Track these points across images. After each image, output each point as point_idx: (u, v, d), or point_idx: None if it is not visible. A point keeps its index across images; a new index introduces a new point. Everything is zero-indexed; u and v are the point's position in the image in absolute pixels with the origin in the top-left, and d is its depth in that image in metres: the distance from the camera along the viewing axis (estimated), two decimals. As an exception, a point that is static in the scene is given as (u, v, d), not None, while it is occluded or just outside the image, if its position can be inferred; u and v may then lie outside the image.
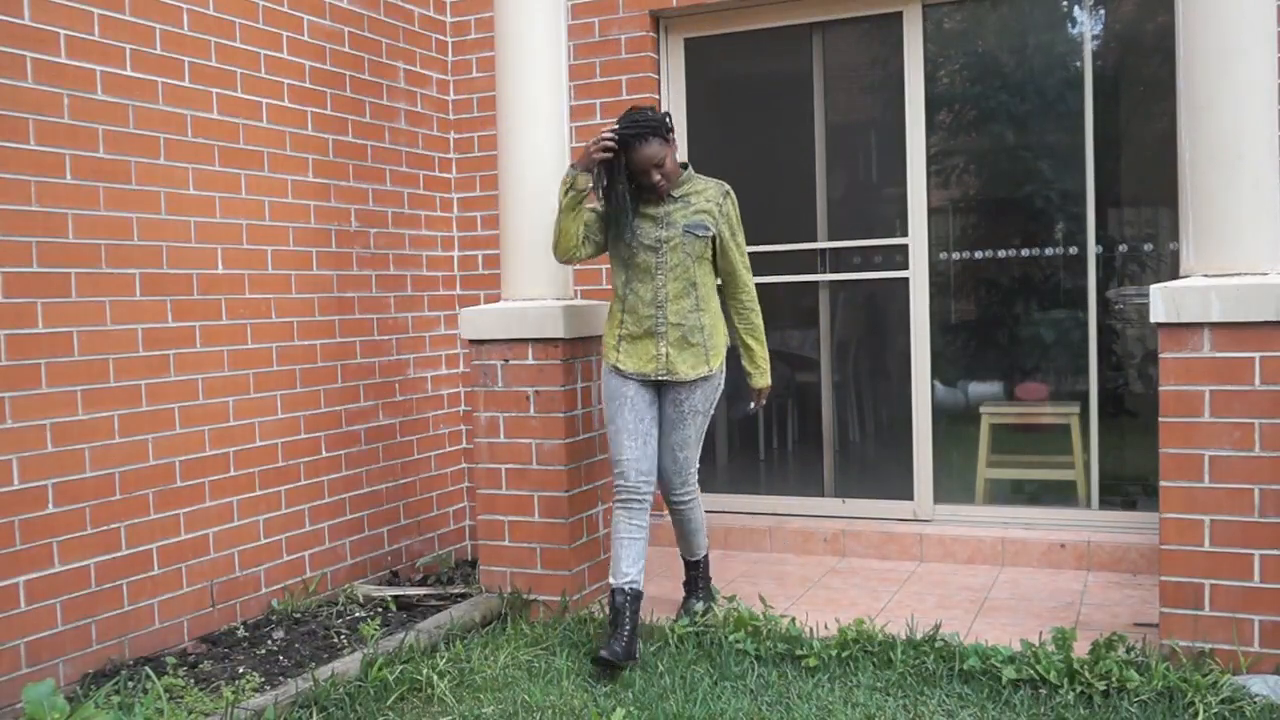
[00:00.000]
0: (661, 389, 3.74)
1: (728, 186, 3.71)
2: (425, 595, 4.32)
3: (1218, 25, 3.28)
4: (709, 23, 5.13)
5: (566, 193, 3.56)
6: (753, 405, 3.90)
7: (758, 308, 3.78)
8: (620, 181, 3.55)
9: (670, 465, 3.78)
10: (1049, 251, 4.73)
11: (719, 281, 3.79)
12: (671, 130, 3.57)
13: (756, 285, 5.19)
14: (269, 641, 3.85)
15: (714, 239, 3.66)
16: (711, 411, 3.78)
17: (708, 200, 3.65)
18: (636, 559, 3.64)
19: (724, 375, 3.77)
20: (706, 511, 5.29)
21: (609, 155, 3.50)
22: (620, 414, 3.67)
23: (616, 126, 3.53)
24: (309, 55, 4.46)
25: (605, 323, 3.81)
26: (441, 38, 5.29)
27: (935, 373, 4.90)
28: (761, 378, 3.83)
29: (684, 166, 3.72)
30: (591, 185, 3.56)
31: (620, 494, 3.65)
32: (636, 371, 3.67)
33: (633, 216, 3.61)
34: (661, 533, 5.13)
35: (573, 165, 3.57)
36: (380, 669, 3.43)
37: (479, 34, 5.28)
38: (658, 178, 3.53)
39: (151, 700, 3.13)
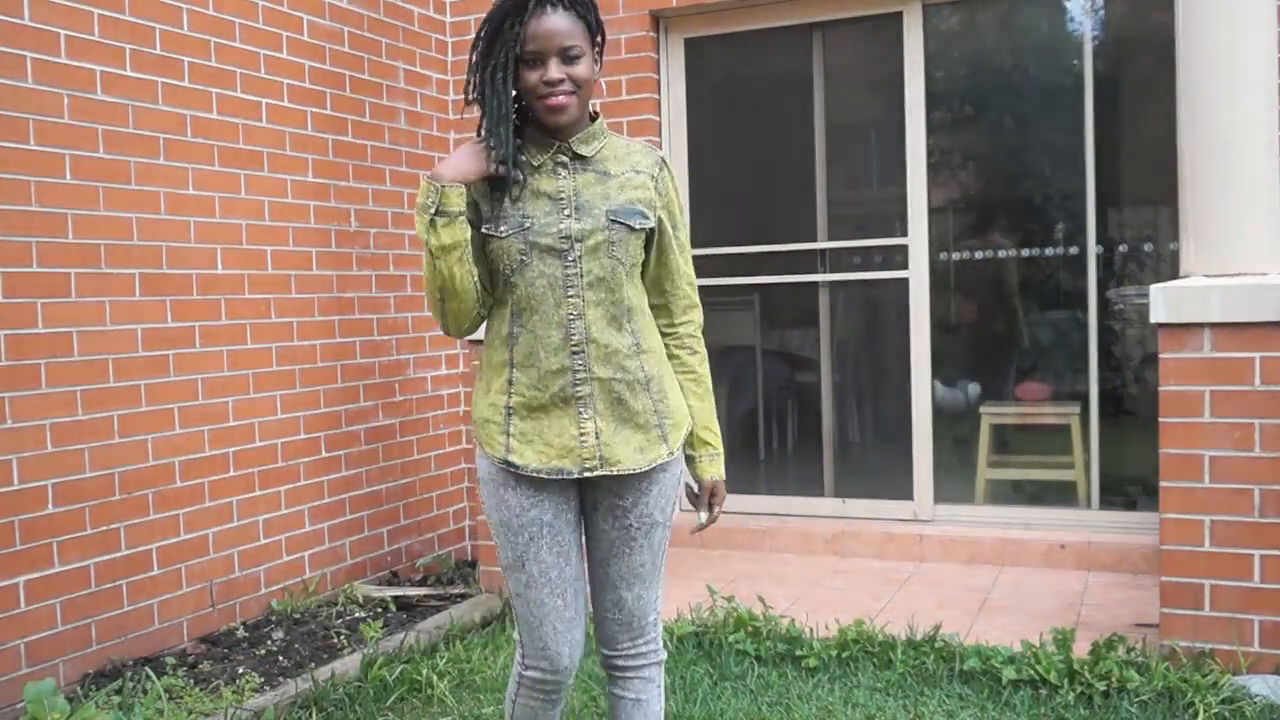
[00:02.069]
0: (587, 491, 2.23)
1: (662, 153, 2.30)
2: (425, 596, 4.32)
3: (1217, 25, 3.28)
4: (709, 23, 5.13)
5: (431, 222, 2.05)
6: (702, 518, 2.31)
7: (702, 344, 2.32)
8: (508, 75, 2.07)
9: (610, 611, 2.26)
10: (1049, 251, 4.73)
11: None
12: (600, 33, 2.14)
13: (756, 285, 5.20)
14: (269, 642, 3.85)
15: (650, 234, 2.19)
16: (672, 520, 2.29)
17: (638, 169, 2.17)
18: None
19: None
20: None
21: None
22: (532, 553, 2.16)
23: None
24: (309, 55, 4.46)
25: (476, 390, 2.25)
26: (441, 38, 5.29)
27: (935, 373, 4.90)
28: (713, 463, 2.28)
29: (593, 118, 2.20)
30: (465, 203, 2.07)
31: (539, 683, 2.23)
32: (546, 467, 2.13)
33: (519, 185, 2.12)
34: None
35: (430, 175, 2.07)
36: (380, 669, 3.43)
37: (479, 34, 5.27)
38: (559, 76, 2.05)
39: (151, 700, 3.13)
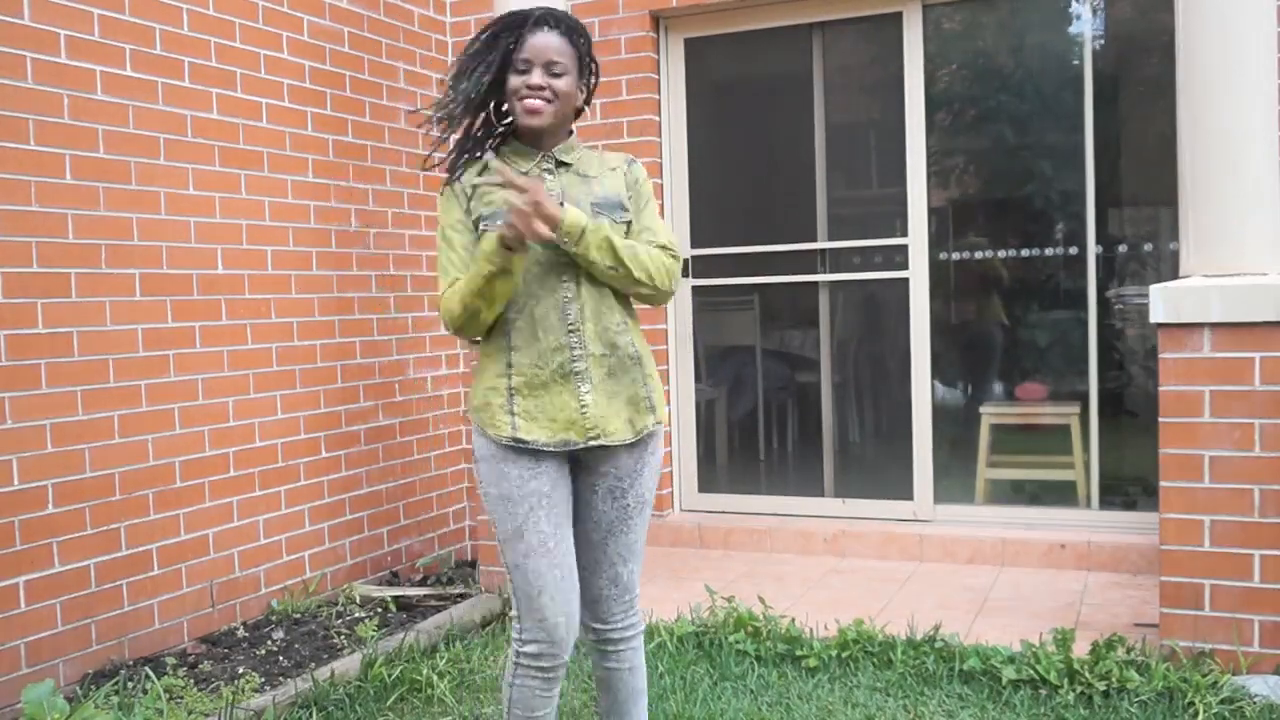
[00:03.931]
0: (582, 474, 2.38)
1: (629, 155, 2.58)
2: (425, 596, 4.32)
3: (1218, 25, 3.28)
4: (709, 23, 5.13)
5: (490, 277, 2.21)
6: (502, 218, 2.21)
7: (673, 262, 2.39)
8: (488, 72, 2.31)
9: (607, 588, 2.42)
10: (1049, 252, 4.73)
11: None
12: (591, 61, 2.38)
13: (756, 286, 5.20)
14: (269, 642, 3.85)
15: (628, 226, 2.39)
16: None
17: (611, 168, 2.41)
18: None
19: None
20: (708, 513, 5.28)
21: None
22: (531, 523, 2.28)
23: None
24: (309, 55, 4.46)
25: (476, 375, 2.38)
26: (441, 38, 5.29)
27: (935, 373, 4.90)
28: (568, 213, 2.23)
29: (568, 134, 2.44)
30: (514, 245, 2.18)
31: (535, 659, 2.31)
32: (554, 440, 2.28)
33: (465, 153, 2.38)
34: (663, 531, 5.13)
35: (503, 243, 2.17)
36: (380, 669, 3.43)
37: (479, 34, 5.27)
38: (540, 83, 2.26)
39: (151, 700, 3.13)
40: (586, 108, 2.44)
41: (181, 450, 3.87)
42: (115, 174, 3.66)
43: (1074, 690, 3.15)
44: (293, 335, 4.34)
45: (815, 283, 5.08)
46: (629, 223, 2.38)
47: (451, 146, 2.39)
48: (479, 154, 2.36)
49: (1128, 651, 3.31)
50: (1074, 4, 4.64)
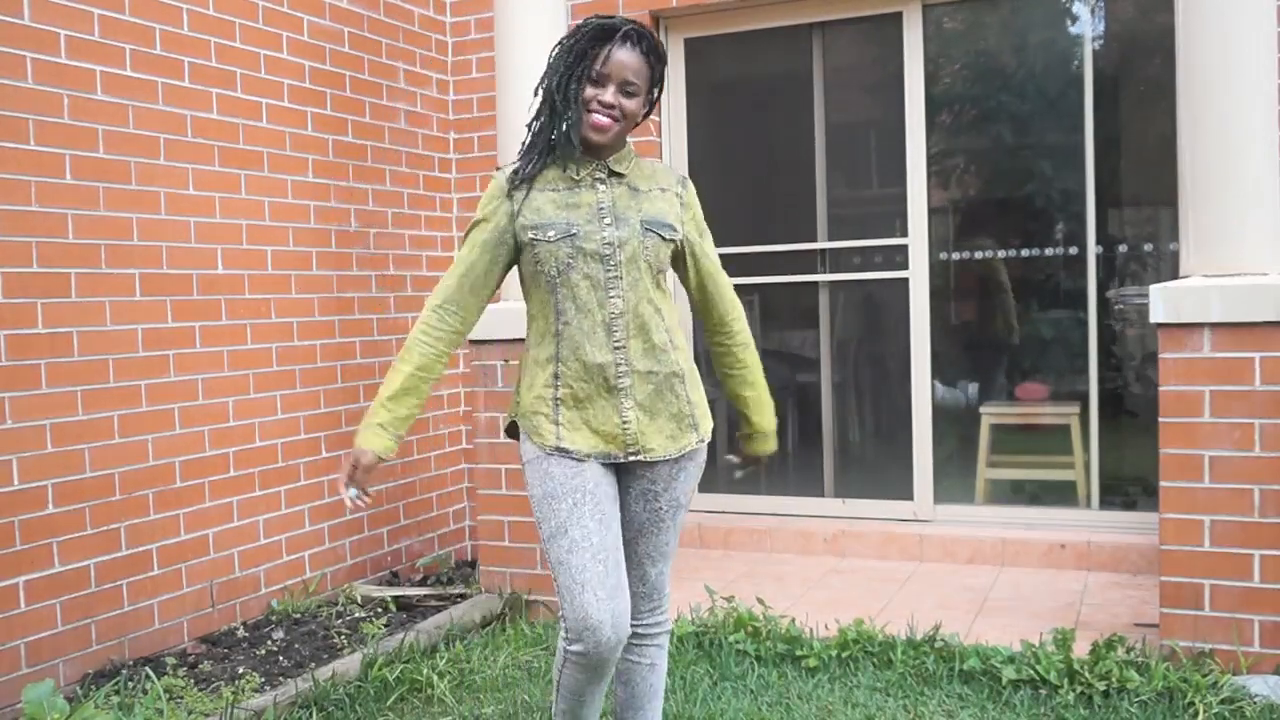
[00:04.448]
0: (621, 474, 2.44)
1: (683, 174, 2.54)
2: (425, 596, 4.32)
3: (1218, 25, 3.28)
4: (709, 23, 5.13)
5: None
6: (738, 462, 2.71)
7: (751, 338, 2.58)
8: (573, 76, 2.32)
9: (635, 586, 2.48)
10: (1049, 251, 4.73)
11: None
12: (659, 84, 2.41)
13: (756, 286, 5.20)
14: (269, 642, 3.85)
15: (681, 245, 2.45)
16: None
17: (663, 188, 2.42)
18: (595, 714, 2.51)
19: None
20: (708, 512, 5.28)
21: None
22: (575, 519, 2.29)
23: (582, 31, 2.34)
24: (309, 55, 4.46)
25: (520, 384, 2.44)
26: (441, 38, 5.29)
27: (935, 373, 4.90)
28: (764, 440, 2.61)
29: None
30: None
31: (582, 657, 2.30)
32: (595, 452, 2.35)
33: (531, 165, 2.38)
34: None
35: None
36: (380, 669, 3.43)
37: (479, 34, 5.28)
38: (612, 101, 2.30)
39: (151, 700, 3.13)
40: (643, 121, 2.45)
41: (181, 450, 3.87)
42: (115, 174, 3.66)
43: (1074, 690, 3.15)
44: (293, 335, 4.35)
45: (815, 283, 5.08)
46: (681, 242, 2.42)
47: (525, 144, 2.41)
48: (544, 158, 2.37)
49: (1128, 651, 3.31)
50: (1074, 4, 4.64)
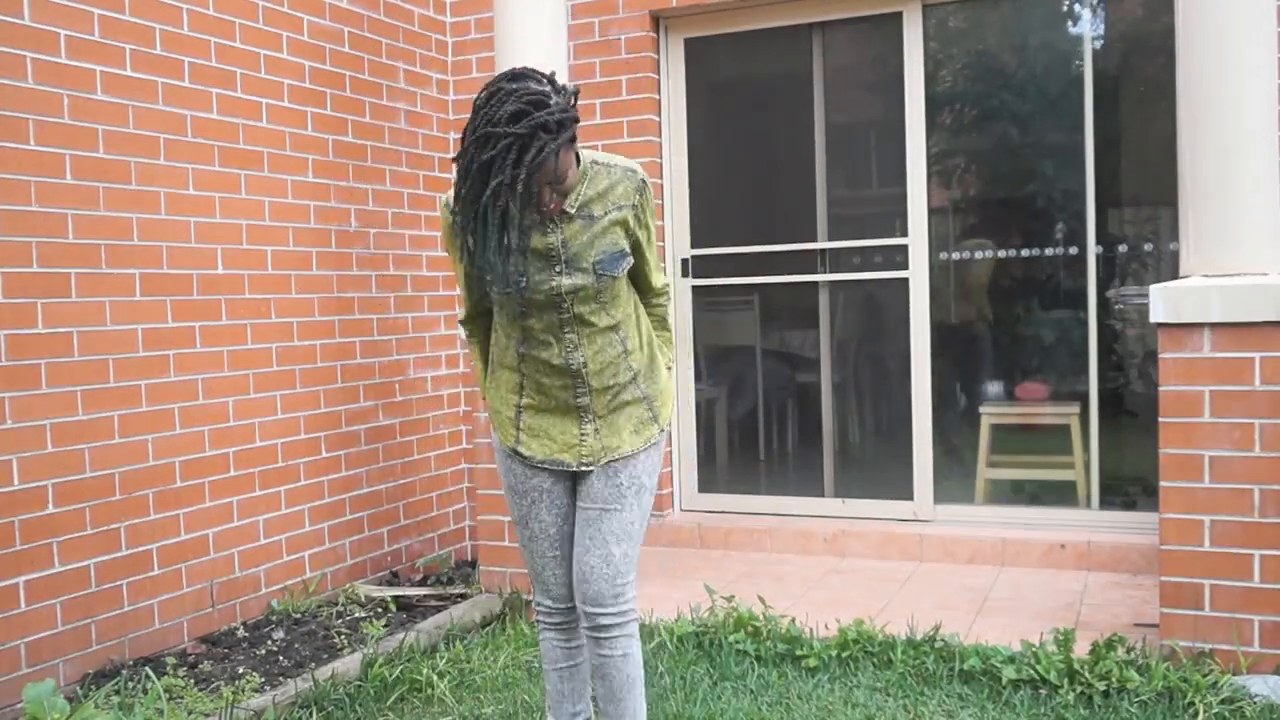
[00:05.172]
0: None
1: (637, 168, 2.40)
2: (425, 595, 4.32)
3: (1217, 26, 3.28)
4: (709, 23, 5.13)
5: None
6: None
7: (668, 303, 2.62)
8: (506, 222, 2.17)
9: (599, 566, 2.45)
10: (1049, 251, 4.73)
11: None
12: (567, 114, 2.18)
13: (756, 285, 5.20)
14: (269, 642, 3.85)
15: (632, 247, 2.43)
16: (656, 482, 2.56)
17: (618, 204, 2.35)
18: (583, 693, 2.72)
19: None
20: (708, 513, 5.28)
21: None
22: (534, 515, 2.53)
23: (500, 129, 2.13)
24: (309, 55, 4.46)
25: (487, 374, 2.57)
26: (441, 38, 5.29)
27: (935, 373, 4.90)
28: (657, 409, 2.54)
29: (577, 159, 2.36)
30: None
31: (550, 614, 2.63)
32: (549, 459, 2.47)
33: (517, 263, 2.32)
34: (663, 531, 5.13)
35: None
36: (380, 669, 3.43)
37: (479, 34, 5.28)
38: (550, 197, 2.25)
39: (151, 700, 3.13)
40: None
41: (181, 450, 3.87)
42: (115, 174, 3.66)
43: (1074, 690, 3.15)
44: (293, 335, 4.35)
45: (815, 283, 5.08)
46: (628, 257, 2.39)
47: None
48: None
49: (1128, 651, 3.31)
50: (1074, 4, 4.64)
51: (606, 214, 2.34)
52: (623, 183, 2.37)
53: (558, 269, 2.32)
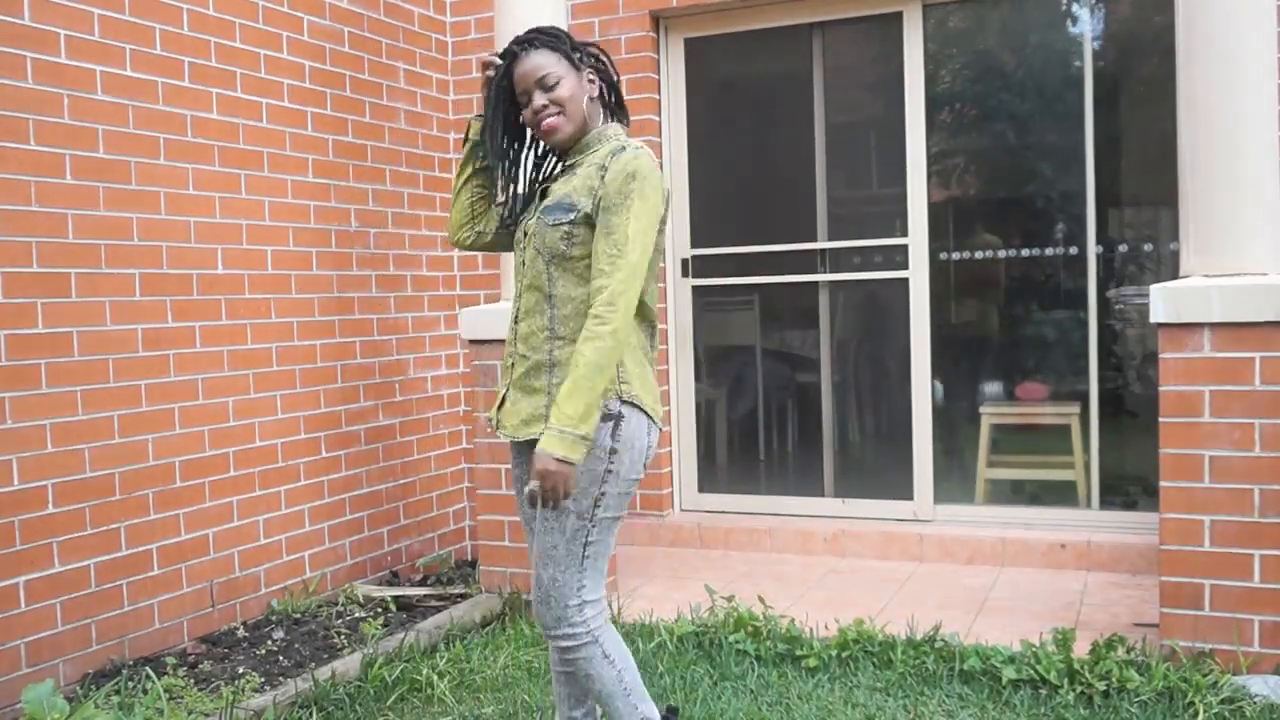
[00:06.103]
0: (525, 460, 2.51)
1: (628, 143, 2.35)
2: (425, 595, 4.32)
3: (1217, 25, 3.28)
4: (709, 23, 5.13)
5: (464, 144, 2.58)
6: (529, 485, 2.19)
7: (606, 327, 2.19)
8: (499, 123, 2.44)
9: (537, 594, 2.37)
10: (1049, 252, 4.73)
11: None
12: (579, 52, 2.40)
13: (756, 285, 5.20)
14: (269, 642, 3.85)
15: (584, 220, 2.32)
16: (595, 508, 2.30)
17: (597, 164, 2.34)
18: (581, 699, 2.60)
19: (620, 441, 2.30)
20: (708, 513, 5.28)
21: (490, 74, 2.46)
22: (519, 504, 2.55)
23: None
24: (309, 55, 4.46)
25: None
26: (441, 38, 5.29)
27: (935, 373, 4.90)
28: (548, 439, 2.15)
29: (621, 122, 2.51)
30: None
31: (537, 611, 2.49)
32: (487, 414, 2.64)
33: (520, 187, 2.52)
34: (663, 531, 5.13)
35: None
36: (380, 669, 3.43)
37: (479, 34, 5.28)
38: (542, 103, 2.34)
39: (151, 700, 3.13)
40: (613, 92, 2.48)
41: (181, 450, 3.87)
42: (115, 174, 3.66)
43: (1074, 690, 3.15)
44: (293, 335, 4.35)
45: (815, 282, 5.08)
46: (574, 222, 2.31)
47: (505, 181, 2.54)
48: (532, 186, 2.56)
49: (1128, 651, 3.31)
50: (1074, 4, 4.64)
51: (586, 171, 2.35)
52: (611, 148, 2.34)
53: (537, 210, 2.43)
